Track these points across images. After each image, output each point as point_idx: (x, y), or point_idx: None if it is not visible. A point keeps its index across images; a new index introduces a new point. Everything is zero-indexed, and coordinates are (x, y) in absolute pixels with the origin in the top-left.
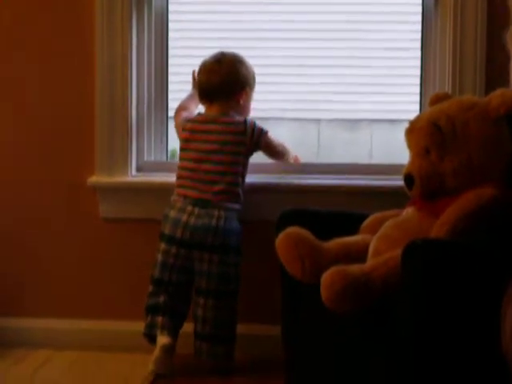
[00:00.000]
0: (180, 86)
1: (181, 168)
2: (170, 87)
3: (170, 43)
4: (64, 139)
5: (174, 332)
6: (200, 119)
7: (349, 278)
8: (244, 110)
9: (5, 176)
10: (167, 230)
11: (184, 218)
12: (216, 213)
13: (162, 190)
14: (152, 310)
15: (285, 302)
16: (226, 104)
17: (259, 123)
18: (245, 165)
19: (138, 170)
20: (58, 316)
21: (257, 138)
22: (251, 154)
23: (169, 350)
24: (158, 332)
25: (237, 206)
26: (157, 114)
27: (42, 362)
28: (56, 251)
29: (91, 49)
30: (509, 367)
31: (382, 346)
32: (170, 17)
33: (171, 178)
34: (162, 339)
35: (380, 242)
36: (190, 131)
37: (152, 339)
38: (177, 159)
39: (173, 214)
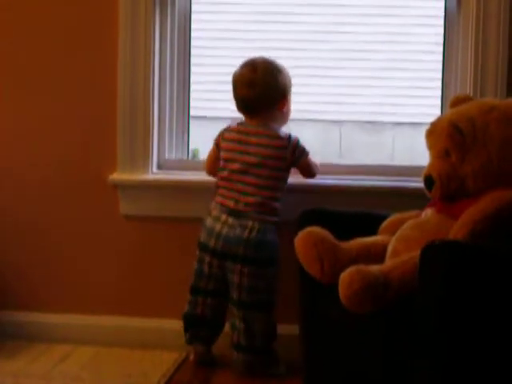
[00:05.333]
0: (203, 86)
1: (220, 178)
2: (193, 86)
3: (193, 42)
4: (86, 136)
5: (208, 342)
6: (242, 130)
7: (367, 278)
8: (286, 115)
9: (26, 172)
10: (202, 238)
11: (218, 227)
12: (250, 224)
13: (183, 188)
14: (189, 320)
15: (303, 301)
16: (268, 115)
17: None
18: (285, 179)
19: (159, 167)
20: (78, 312)
21: (298, 157)
22: (290, 168)
23: (203, 359)
24: (193, 340)
25: (273, 218)
26: (178, 112)
27: (62, 357)
28: (77, 247)
29: (114, 46)
30: None
31: (400, 346)
32: (193, 16)
33: (192, 176)
34: (196, 348)
35: (399, 243)
36: (232, 141)
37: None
38: (197, 159)
39: (208, 222)
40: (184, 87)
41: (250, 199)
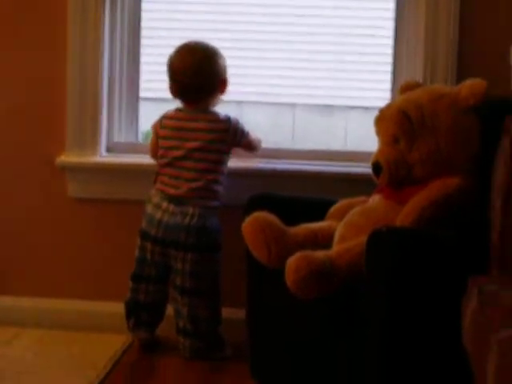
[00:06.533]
0: (153, 67)
1: (161, 165)
2: (143, 67)
3: (143, 23)
4: (34, 117)
5: (151, 327)
6: (181, 116)
7: (314, 264)
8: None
9: None
10: (144, 225)
11: (158, 215)
12: (190, 210)
13: (131, 171)
14: (132, 307)
15: (250, 286)
16: (210, 100)
17: (238, 112)
18: (226, 162)
19: (108, 150)
20: (27, 294)
21: (239, 139)
22: (231, 150)
23: (147, 344)
24: (136, 327)
25: (214, 203)
26: (128, 94)
27: (9, 340)
28: (23, 230)
29: (64, 27)
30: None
31: (345, 331)
32: None
33: (141, 159)
34: (140, 334)
35: (346, 229)
36: (172, 129)
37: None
38: (148, 141)
39: (149, 209)
40: (134, 69)
41: (194, 184)
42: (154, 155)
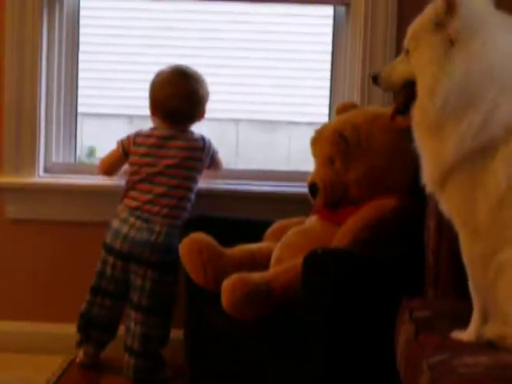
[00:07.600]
0: (90, 83)
1: (132, 181)
2: (81, 83)
3: (82, 39)
4: None
5: (98, 345)
6: (158, 135)
7: (249, 286)
8: None
9: None
10: (108, 239)
11: (125, 229)
12: (157, 228)
13: (69, 192)
14: (84, 320)
15: (189, 307)
16: (189, 124)
17: None
18: (197, 181)
19: (46, 170)
20: None
21: (211, 157)
22: (203, 169)
23: (90, 362)
24: (82, 343)
25: (180, 223)
26: (66, 115)
27: None
28: None
29: (1, 46)
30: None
31: (281, 351)
32: (82, 13)
33: (79, 179)
34: (84, 351)
35: (283, 250)
36: (148, 146)
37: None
38: (94, 157)
39: (116, 224)
40: (72, 89)
41: (164, 201)
42: (107, 170)
